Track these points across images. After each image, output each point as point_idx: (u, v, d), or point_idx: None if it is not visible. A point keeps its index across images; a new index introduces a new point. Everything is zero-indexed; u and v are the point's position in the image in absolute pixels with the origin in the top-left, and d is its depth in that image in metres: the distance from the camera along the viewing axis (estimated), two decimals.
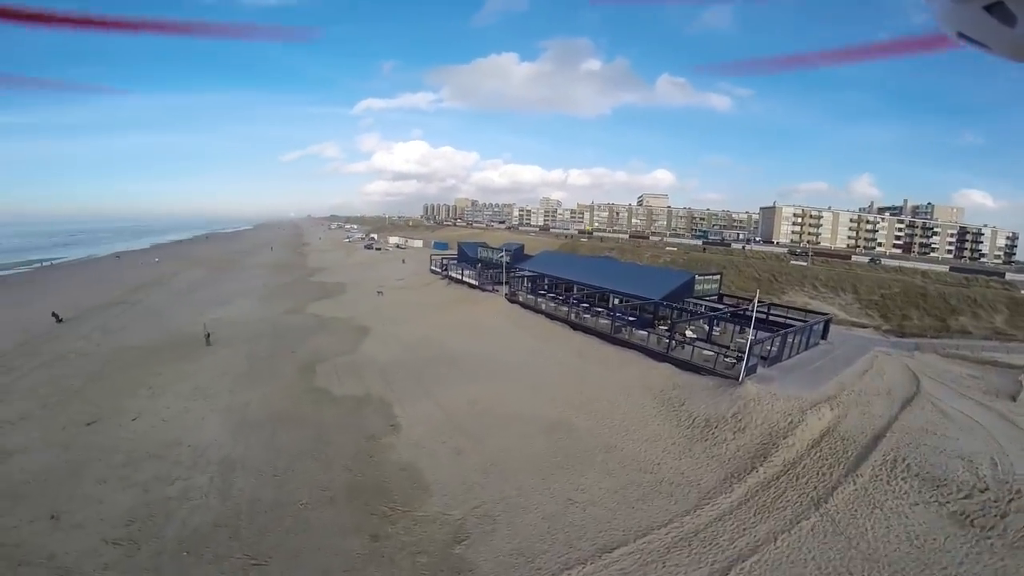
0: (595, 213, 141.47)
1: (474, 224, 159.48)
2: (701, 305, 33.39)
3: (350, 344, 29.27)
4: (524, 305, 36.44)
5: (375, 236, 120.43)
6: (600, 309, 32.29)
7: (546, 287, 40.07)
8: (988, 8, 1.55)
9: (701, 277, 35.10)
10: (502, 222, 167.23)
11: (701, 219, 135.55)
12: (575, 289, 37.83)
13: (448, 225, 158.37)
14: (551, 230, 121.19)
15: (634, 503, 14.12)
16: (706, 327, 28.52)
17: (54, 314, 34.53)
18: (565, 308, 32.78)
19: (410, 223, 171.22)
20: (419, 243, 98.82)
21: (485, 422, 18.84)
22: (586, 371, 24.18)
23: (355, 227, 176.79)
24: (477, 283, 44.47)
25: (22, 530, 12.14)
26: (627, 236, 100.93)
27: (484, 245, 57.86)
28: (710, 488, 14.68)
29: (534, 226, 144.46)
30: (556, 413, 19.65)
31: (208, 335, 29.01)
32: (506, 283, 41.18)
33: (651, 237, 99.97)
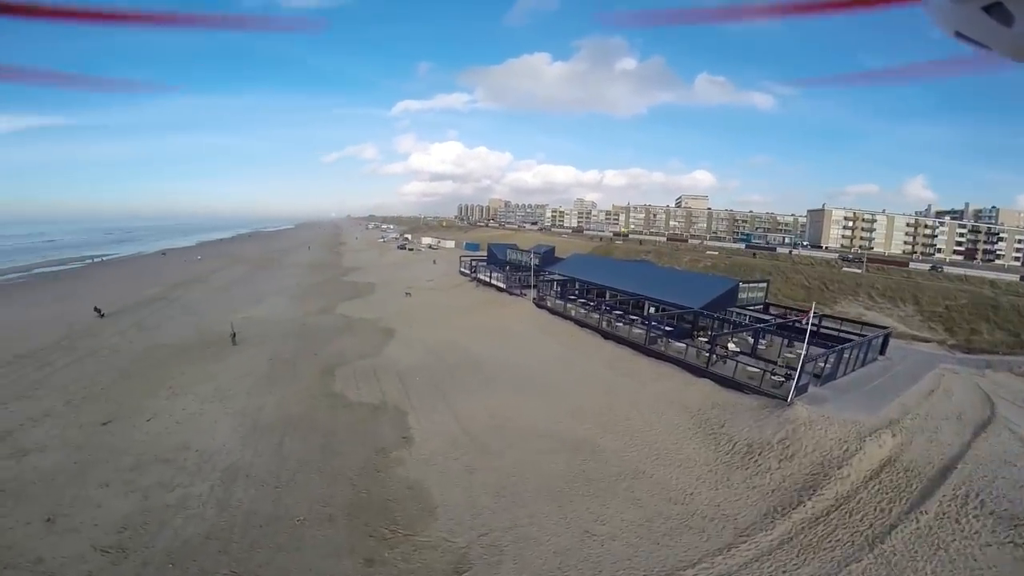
0: (631, 215, 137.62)
1: (506, 225, 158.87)
2: (745, 315, 30.92)
3: (373, 347, 28.67)
4: (552, 311, 34.93)
5: (408, 236, 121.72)
6: (634, 317, 30.43)
7: (576, 292, 38.45)
8: (986, 8, 1.54)
9: (746, 285, 32.60)
10: (534, 223, 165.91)
11: (743, 221, 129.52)
12: (607, 295, 36.02)
13: (480, 226, 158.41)
14: (585, 232, 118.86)
15: (660, 538, 12.53)
16: (751, 340, 26.18)
17: (96, 309, 35.86)
18: (596, 315, 31.06)
19: (443, 223, 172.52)
20: (451, 244, 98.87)
21: (502, 437, 17.55)
22: (616, 385, 22.50)
23: (391, 227, 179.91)
24: (505, 286, 43.32)
25: (16, 532, 11.81)
26: (664, 239, 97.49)
27: (513, 247, 56.82)
28: (748, 524, 12.99)
29: (567, 228, 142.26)
30: (580, 430, 18.14)
31: (234, 335, 29.10)
32: (534, 287, 39.70)
33: (690, 240, 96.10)
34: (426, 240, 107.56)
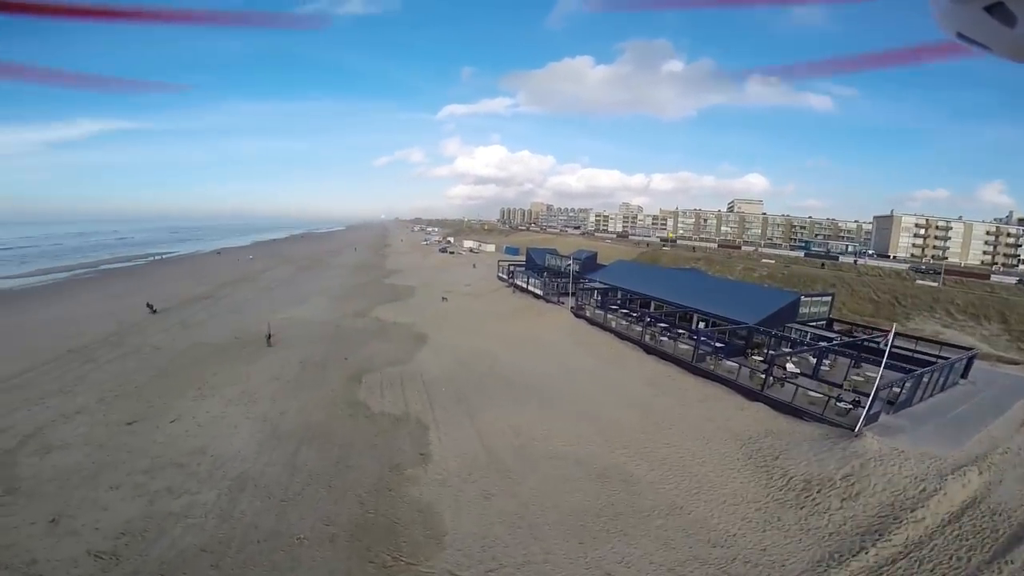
0: (679, 219, 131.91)
1: (548, 229, 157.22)
2: (806, 332, 27.91)
3: (404, 353, 28.00)
4: (591, 321, 33.06)
5: (451, 240, 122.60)
6: (681, 331, 28.16)
7: (618, 302, 36.40)
8: (988, 9, 1.55)
9: (807, 298, 29.49)
10: (577, 227, 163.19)
11: (801, 228, 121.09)
12: (652, 306, 33.78)
13: (522, 230, 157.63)
14: (630, 237, 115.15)
15: None
16: (812, 360, 23.37)
17: (149, 305, 37.67)
18: (639, 327, 28.99)
19: (485, 227, 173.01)
20: (491, 247, 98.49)
21: (526, 459, 16.10)
22: (657, 406, 20.52)
23: (435, 230, 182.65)
24: (542, 293, 41.82)
25: (21, 531, 11.64)
26: (716, 245, 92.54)
27: (553, 252, 55.27)
28: (798, 572, 11.26)
29: (611, 232, 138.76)
30: (612, 456, 16.40)
31: (269, 336, 29.34)
32: (573, 295, 37.90)
33: (743, 247, 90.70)
34: (467, 243, 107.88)
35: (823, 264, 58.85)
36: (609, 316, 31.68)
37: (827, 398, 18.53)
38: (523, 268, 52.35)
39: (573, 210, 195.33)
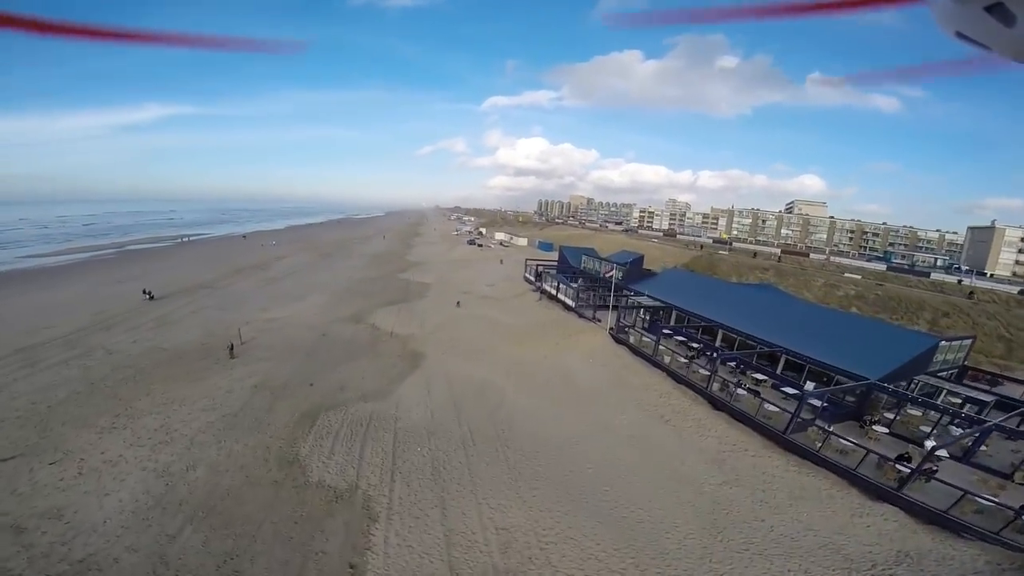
0: (735, 219, 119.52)
1: (587, 224, 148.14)
2: (939, 388, 19.77)
3: (387, 380, 21.90)
4: (635, 350, 25.66)
5: (482, 231, 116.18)
6: (761, 377, 20.70)
7: (672, 325, 28.90)
8: (988, 8, 1.55)
9: (946, 344, 21.22)
10: (619, 223, 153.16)
11: (874, 235, 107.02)
12: (719, 336, 26.08)
13: (558, 223, 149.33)
14: (678, 236, 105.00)
15: None
16: (956, 430, 15.57)
17: (146, 291, 35.79)
18: (703, 369, 21.50)
19: (520, 218, 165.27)
20: (523, 241, 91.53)
21: None
22: (727, 504, 13.48)
23: (470, 219, 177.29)
24: (574, 305, 34.55)
25: None
26: (779, 251, 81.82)
27: (591, 252, 47.69)
28: None
29: (657, 230, 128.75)
30: None
31: (232, 347, 24.05)
32: (613, 310, 30.47)
33: (811, 255, 79.69)
34: (498, 236, 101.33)
35: (945, 287, 48.08)
36: (660, 347, 24.12)
37: (999, 505, 11.23)
38: (554, 270, 45.28)
39: (615, 205, 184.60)
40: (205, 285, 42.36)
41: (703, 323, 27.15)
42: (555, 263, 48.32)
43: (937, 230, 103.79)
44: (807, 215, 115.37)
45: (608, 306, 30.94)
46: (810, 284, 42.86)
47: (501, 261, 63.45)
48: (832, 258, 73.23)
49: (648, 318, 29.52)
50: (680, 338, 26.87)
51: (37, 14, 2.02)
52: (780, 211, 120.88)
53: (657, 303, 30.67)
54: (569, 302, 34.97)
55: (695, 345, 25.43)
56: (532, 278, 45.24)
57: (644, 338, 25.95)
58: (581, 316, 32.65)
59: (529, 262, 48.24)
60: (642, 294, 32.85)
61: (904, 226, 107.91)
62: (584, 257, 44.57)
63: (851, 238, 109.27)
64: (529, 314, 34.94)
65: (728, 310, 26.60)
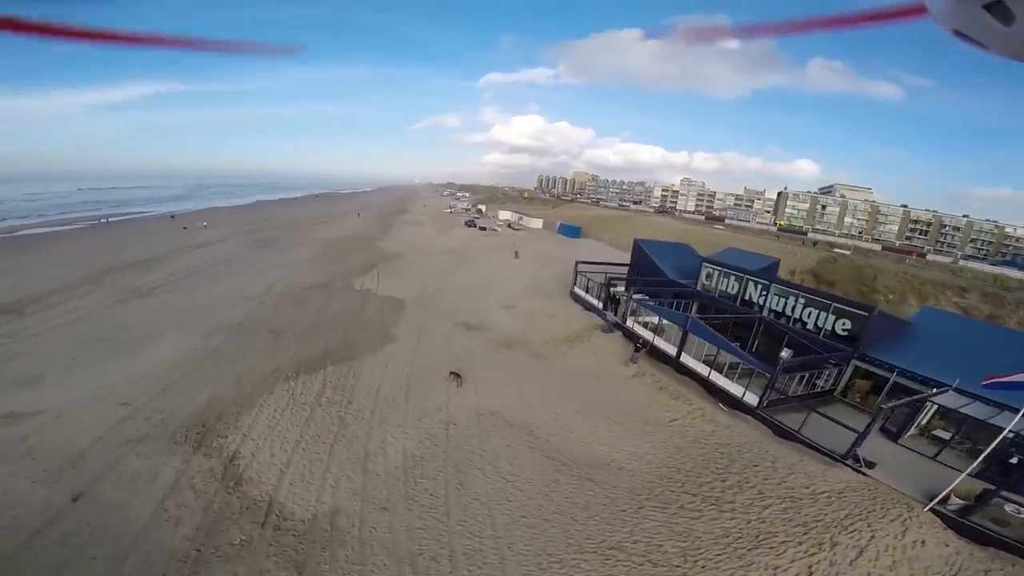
0: (788, 203, 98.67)
1: (602, 203, 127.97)
2: None
3: None
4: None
5: (482, 208, 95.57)
6: None
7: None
8: (987, 7, 1.51)
9: None
10: (637, 202, 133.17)
11: (955, 229, 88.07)
12: None
13: (567, 200, 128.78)
14: (727, 222, 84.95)
15: None
16: None
17: None
18: None
19: (525, 195, 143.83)
20: (537, 223, 71.48)
21: None
22: None
23: (466, 195, 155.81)
24: (741, 396, 15.50)
25: None
26: (879, 247, 62.81)
27: (686, 249, 28.17)
28: None
29: (692, 212, 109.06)
30: None
31: None
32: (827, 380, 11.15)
33: (930, 255, 60.60)
34: (504, 215, 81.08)
35: None
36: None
37: None
38: (630, 277, 25.71)
39: (625, 182, 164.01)
40: (59, 291, 23.26)
41: None
42: (614, 265, 28.76)
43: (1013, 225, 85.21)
44: (874, 203, 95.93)
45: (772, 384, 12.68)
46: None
47: (516, 254, 43.72)
48: (960, 261, 53.96)
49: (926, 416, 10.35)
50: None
51: (40, 18, 1.99)
52: (843, 195, 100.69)
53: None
54: (735, 392, 15.34)
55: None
56: (594, 300, 25.53)
57: None
58: (779, 432, 13.32)
59: (583, 268, 28.23)
60: (910, 375, 13.55)
61: (987, 220, 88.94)
62: (707, 267, 24.62)
63: (925, 231, 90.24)
64: (618, 387, 15.38)
65: None
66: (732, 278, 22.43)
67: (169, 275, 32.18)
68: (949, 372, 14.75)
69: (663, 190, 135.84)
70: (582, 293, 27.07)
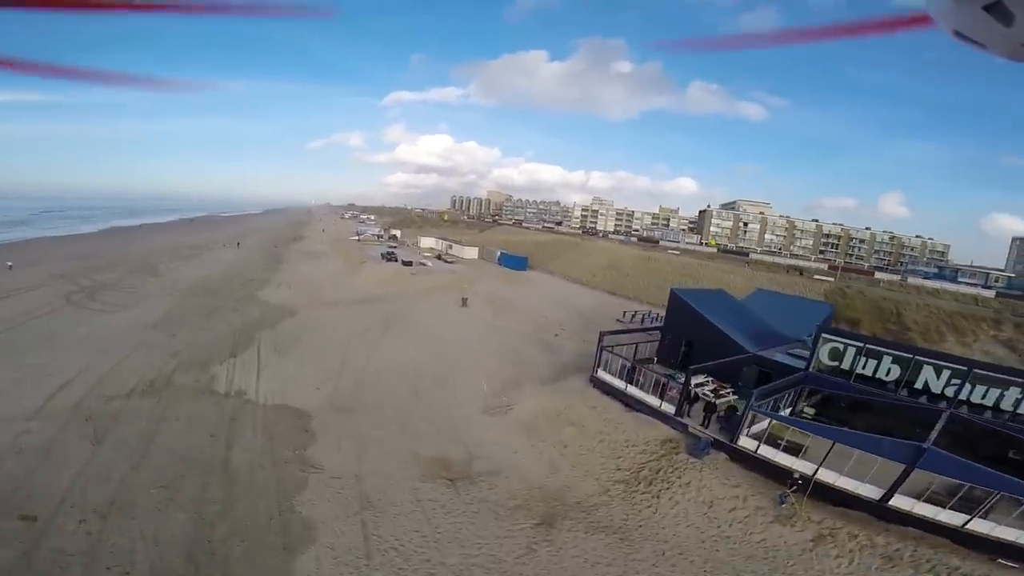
0: (713, 221, 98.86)
1: (523, 224, 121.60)
2: None
3: None
4: None
5: (396, 235, 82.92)
6: None
7: None
8: (987, 8, 1.51)
9: None
10: (559, 223, 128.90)
11: (860, 241, 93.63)
12: None
13: (490, 223, 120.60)
14: (660, 243, 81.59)
15: None
16: None
17: None
18: None
19: (444, 217, 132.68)
20: (472, 252, 61.24)
21: None
22: None
23: (371, 218, 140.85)
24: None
25: None
26: (825, 266, 62.01)
27: (722, 295, 20.15)
28: None
29: (612, 233, 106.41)
30: None
31: None
32: None
33: (876, 272, 60.82)
34: (427, 243, 69.77)
35: None
36: None
37: None
38: (662, 338, 16.87)
39: (541, 202, 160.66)
40: None
41: None
42: (640, 331, 19.81)
43: (917, 236, 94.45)
44: (787, 217, 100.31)
45: None
46: None
47: (464, 301, 33.13)
48: (923, 281, 54.00)
49: None
50: None
51: None
52: (763, 213, 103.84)
53: None
54: None
55: None
56: (653, 400, 15.83)
57: None
58: None
59: (608, 342, 18.20)
60: None
61: (885, 231, 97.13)
62: (830, 341, 15.48)
63: (836, 245, 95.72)
64: None
65: None
66: (889, 359, 14.49)
67: None
68: None
69: (583, 210, 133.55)
70: (621, 385, 17.29)
